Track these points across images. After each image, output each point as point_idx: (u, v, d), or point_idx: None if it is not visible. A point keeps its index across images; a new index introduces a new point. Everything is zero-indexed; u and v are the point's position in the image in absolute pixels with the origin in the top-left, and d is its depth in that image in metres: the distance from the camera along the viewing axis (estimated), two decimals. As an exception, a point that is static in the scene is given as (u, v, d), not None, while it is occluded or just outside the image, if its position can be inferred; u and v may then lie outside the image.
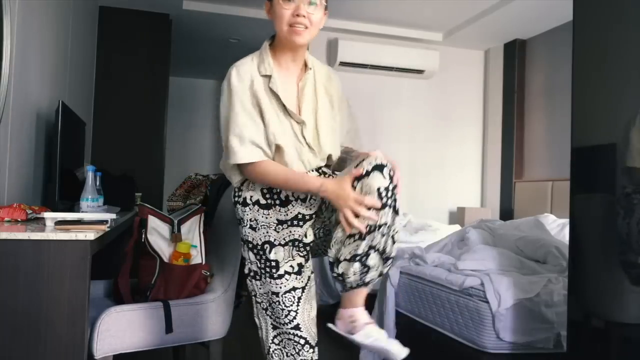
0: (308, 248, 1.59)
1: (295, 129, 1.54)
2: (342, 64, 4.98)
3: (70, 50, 3.39)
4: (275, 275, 1.53)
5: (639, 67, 1.71)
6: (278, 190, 1.53)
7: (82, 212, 2.12)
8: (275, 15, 1.53)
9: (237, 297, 2.09)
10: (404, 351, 1.50)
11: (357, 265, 1.42)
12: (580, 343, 1.91)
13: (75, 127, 2.85)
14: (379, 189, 1.36)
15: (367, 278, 1.45)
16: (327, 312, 1.96)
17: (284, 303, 1.54)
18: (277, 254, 1.53)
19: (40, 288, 1.45)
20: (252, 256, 1.57)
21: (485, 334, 2.34)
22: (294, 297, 1.54)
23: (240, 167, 1.54)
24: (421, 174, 5.32)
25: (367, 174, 1.38)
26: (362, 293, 1.54)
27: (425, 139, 5.38)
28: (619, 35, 1.80)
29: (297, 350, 1.56)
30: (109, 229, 1.67)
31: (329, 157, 1.61)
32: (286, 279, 1.54)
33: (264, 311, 1.59)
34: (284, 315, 1.55)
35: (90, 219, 1.69)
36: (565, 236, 3.30)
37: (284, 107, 1.54)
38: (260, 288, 1.57)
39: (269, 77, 1.54)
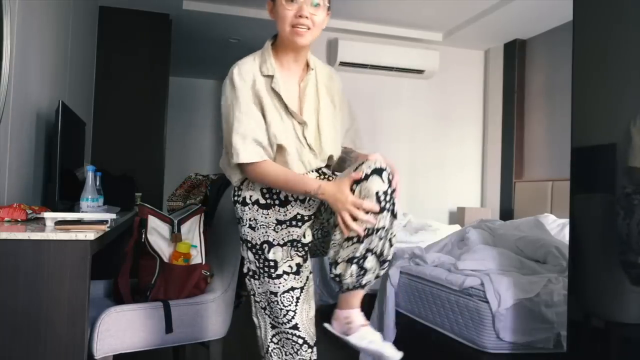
0: (306, 248, 1.59)
1: (297, 129, 1.54)
2: (342, 64, 4.98)
3: (70, 50, 3.39)
4: (274, 275, 1.54)
5: (639, 67, 1.71)
6: (277, 191, 1.53)
7: (82, 212, 2.12)
8: (277, 15, 1.52)
9: (237, 297, 2.09)
10: (398, 354, 1.49)
11: (354, 268, 1.42)
12: (580, 343, 1.91)
13: (75, 127, 2.84)
14: (377, 193, 1.36)
15: (364, 280, 1.45)
16: (327, 312, 1.95)
17: (282, 303, 1.54)
18: (275, 253, 1.54)
19: (40, 288, 1.45)
20: (250, 255, 1.57)
21: (485, 334, 2.34)
22: (292, 297, 1.55)
23: (241, 167, 1.54)
24: (421, 174, 5.32)
25: (366, 177, 1.38)
26: (359, 295, 1.54)
27: (425, 139, 5.38)
28: (619, 35, 1.80)
29: (295, 350, 1.56)
30: (109, 229, 1.67)
31: (330, 157, 1.61)
32: (284, 278, 1.54)
33: (262, 310, 1.59)
34: (282, 315, 1.55)
35: (90, 219, 1.69)
36: (565, 236, 3.30)
37: (285, 108, 1.53)
38: (258, 287, 1.58)
39: (271, 77, 1.53)
